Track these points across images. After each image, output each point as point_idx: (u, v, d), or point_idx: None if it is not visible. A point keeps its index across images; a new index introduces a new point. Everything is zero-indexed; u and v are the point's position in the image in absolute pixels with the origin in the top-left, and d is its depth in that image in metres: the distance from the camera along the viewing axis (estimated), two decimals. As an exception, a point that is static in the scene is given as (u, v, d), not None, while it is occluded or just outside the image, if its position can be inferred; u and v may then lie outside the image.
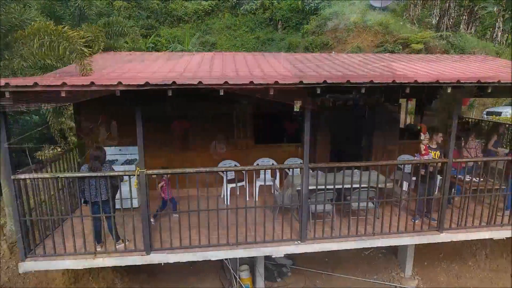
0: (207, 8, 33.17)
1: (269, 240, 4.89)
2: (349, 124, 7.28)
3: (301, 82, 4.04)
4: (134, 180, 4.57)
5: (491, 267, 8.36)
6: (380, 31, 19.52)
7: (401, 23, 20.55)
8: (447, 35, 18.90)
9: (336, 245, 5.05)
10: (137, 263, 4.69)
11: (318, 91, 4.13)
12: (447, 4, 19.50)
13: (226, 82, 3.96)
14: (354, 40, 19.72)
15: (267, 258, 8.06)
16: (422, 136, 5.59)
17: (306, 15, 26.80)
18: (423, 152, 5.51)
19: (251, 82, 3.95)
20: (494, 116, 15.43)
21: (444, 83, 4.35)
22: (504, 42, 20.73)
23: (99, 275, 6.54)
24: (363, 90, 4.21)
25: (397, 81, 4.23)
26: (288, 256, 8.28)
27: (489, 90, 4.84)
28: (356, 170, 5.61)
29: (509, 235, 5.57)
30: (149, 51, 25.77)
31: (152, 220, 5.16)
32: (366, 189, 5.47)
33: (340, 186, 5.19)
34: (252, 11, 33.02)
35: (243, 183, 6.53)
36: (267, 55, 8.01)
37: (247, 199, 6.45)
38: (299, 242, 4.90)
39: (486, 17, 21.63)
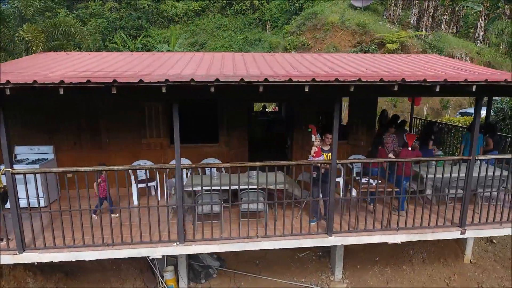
0: (197, 9, 33.21)
1: (147, 241, 4.84)
2: (272, 123, 7.19)
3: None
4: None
5: (426, 272, 8.15)
6: (358, 31, 19.31)
7: (381, 23, 20.30)
8: (423, 35, 18.60)
9: (217, 247, 4.97)
10: (10, 262, 4.69)
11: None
12: (426, 4, 19.17)
13: (114, 81, 4.00)
14: (331, 40, 19.55)
15: (195, 259, 8.05)
16: (313, 138, 5.46)
17: (292, 15, 26.72)
18: (314, 154, 5.40)
19: (167, 80, 3.93)
20: (466, 116, 15.12)
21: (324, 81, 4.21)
22: (488, 41, 20.31)
23: (10, 274, 6.57)
24: (306, 89, 4.13)
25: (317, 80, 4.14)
26: (218, 257, 8.24)
27: (395, 88, 4.62)
28: (253, 171, 5.53)
29: (404, 239, 5.41)
30: (139, 51, 26.01)
31: (94, 216, 5.25)
32: (260, 190, 5.38)
33: (235, 187, 5.11)
34: (242, 12, 32.99)
35: (154, 183, 6.49)
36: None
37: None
38: (178, 243, 4.84)
39: (468, 17, 21.24)
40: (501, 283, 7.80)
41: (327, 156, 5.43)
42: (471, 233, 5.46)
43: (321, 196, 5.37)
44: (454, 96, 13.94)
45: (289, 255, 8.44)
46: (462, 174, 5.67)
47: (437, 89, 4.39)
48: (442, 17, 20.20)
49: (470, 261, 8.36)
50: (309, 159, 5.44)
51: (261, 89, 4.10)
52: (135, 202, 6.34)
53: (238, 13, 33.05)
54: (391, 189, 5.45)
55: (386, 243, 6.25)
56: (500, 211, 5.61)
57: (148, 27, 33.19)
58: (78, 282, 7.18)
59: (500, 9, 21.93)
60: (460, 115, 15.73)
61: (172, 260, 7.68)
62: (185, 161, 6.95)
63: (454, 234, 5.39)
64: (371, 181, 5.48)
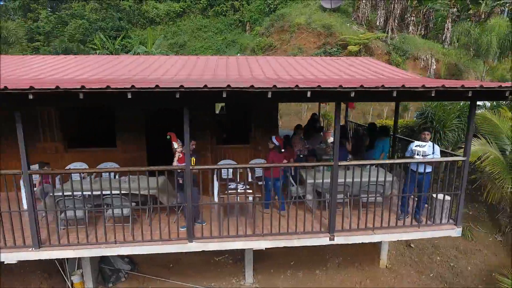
0: (178, 10, 33.23)
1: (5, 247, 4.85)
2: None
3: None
4: None
5: (338, 276, 8.12)
6: (323, 32, 19.28)
7: (348, 24, 20.25)
8: (385, 37, 18.55)
9: (73, 253, 4.97)
10: None
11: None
12: (392, 6, 19.11)
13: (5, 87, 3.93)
14: (297, 42, 19.53)
15: (107, 263, 8.05)
16: (175, 145, 5.45)
17: (267, 16, 26.71)
18: (178, 160, 5.38)
19: (57, 86, 3.89)
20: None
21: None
22: (456, 43, 20.18)
23: None
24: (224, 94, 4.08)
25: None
26: (130, 261, 8.24)
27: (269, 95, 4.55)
28: (131, 177, 5.50)
29: (269, 245, 5.37)
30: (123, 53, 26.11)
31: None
32: (135, 195, 5.38)
33: (103, 192, 5.11)
34: (223, 13, 32.99)
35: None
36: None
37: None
38: (33, 248, 4.84)
39: (437, 19, 21.14)
40: (410, 288, 7.77)
41: (192, 160, 5.44)
42: (341, 239, 5.42)
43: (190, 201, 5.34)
44: (373, 102, 13.89)
45: (205, 259, 8.43)
46: (349, 179, 5.63)
47: (352, 95, 4.29)
48: (410, 19, 20.11)
49: (386, 266, 8.32)
50: (174, 164, 5.43)
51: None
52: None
53: (219, 14, 33.05)
54: (260, 195, 5.42)
55: (304, 247, 6.18)
56: (380, 216, 5.56)
57: (130, 28, 33.26)
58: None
59: (471, 10, 21.86)
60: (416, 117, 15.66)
61: (81, 263, 7.69)
62: (83, 165, 6.97)
63: (322, 240, 5.35)
64: (240, 186, 5.46)
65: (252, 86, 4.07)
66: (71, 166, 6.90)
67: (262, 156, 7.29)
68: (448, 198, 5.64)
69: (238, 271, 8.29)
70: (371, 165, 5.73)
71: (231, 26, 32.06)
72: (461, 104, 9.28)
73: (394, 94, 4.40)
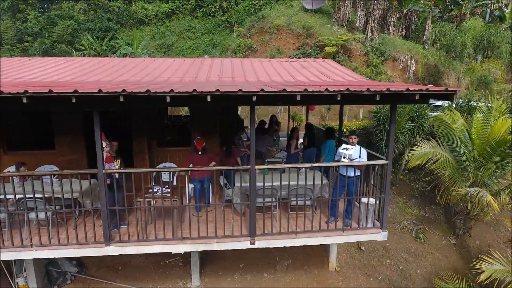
0: (167, 11, 33.26)
1: None
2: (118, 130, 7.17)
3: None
4: None
5: (286, 279, 8.10)
6: (302, 33, 19.25)
7: (328, 25, 20.21)
8: (364, 38, 18.52)
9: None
10: None
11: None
12: (372, 7, 19.06)
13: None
14: (276, 43, 19.51)
15: (54, 265, 8.04)
16: (103, 144, 5.43)
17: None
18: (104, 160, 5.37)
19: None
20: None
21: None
22: (436, 44, 20.13)
23: None
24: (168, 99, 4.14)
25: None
26: (79, 263, 8.23)
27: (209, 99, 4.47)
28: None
29: (189, 249, 5.35)
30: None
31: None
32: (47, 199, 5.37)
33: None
34: (211, 14, 33.00)
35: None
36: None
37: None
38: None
39: (420, 20, 21.08)
40: (355, 292, 7.74)
41: (119, 162, 5.43)
42: (262, 243, 5.40)
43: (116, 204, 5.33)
44: (320, 105, 13.76)
45: (155, 262, 8.42)
46: (276, 183, 5.62)
47: (298, 98, 4.25)
48: (390, 20, 20.03)
49: (335, 269, 8.29)
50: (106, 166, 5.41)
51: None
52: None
53: (208, 15, 33.06)
54: (176, 199, 5.40)
55: (254, 249, 6.14)
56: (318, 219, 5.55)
57: (118, 29, 33.32)
58: None
59: (454, 12, 21.80)
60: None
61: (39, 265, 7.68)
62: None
63: (243, 244, 5.33)
64: (159, 189, 5.45)
65: (194, 90, 4.09)
66: (10, 169, 6.90)
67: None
68: (373, 201, 5.60)
69: (186, 273, 8.27)
70: (298, 168, 5.71)
71: (219, 27, 32.05)
72: (416, 106, 9.25)
73: (298, 98, 4.37)
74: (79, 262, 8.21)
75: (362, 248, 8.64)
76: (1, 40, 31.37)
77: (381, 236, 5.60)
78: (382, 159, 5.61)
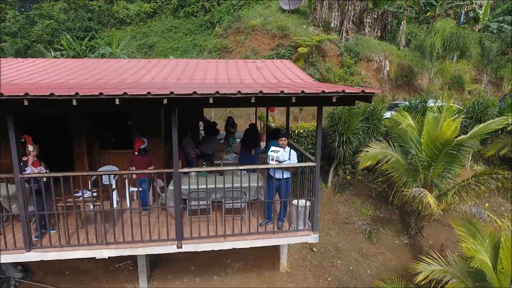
0: (148, 11, 33.00)
1: None
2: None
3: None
4: None
5: (235, 282, 8.04)
6: (277, 34, 19.24)
7: (304, 26, 20.24)
8: (339, 38, 18.58)
9: None
10: None
11: None
12: (347, 7, 19.14)
13: None
14: (251, 43, 19.47)
15: (-1, 270, 7.88)
16: (31, 148, 5.32)
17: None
18: (31, 164, 5.25)
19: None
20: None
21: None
22: (409, 45, 20.30)
23: None
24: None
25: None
26: (24, 268, 8.06)
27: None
28: None
29: (113, 254, 5.26)
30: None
31: None
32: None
33: None
34: (194, 14, 32.85)
35: None
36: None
37: None
38: None
39: (396, 20, 21.21)
40: (304, 293, 7.72)
41: (44, 165, 5.33)
42: (189, 247, 5.33)
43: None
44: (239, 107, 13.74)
45: (104, 266, 8.28)
46: (211, 186, 5.55)
47: (210, 101, 4.19)
48: (366, 21, 20.14)
49: (286, 270, 8.26)
50: (27, 171, 5.28)
51: None
52: None
53: (190, 15, 32.90)
54: (99, 203, 5.29)
55: (207, 252, 6.05)
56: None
57: (99, 29, 32.98)
58: None
59: (429, 13, 21.99)
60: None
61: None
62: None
63: (170, 248, 5.26)
64: (87, 193, 5.35)
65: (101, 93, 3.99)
66: None
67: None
68: (303, 203, 5.57)
69: (135, 277, 8.14)
70: (232, 170, 5.65)
71: (201, 27, 31.91)
72: (370, 106, 9.27)
73: (211, 101, 4.31)
74: (25, 267, 8.06)
75: (314, 249, 8.63)
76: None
77: (312, 238, 5.57)
78: (312, 161, 5.57)
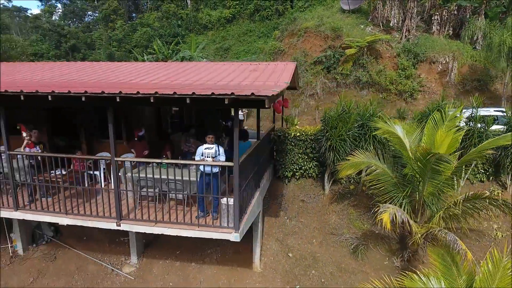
0: (228, 16, 35.39)
1: None
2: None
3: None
4: None
5: (209, 271, 8.55)
6: (330, 35, 18.73)
7: (362, 26, 19.21)
8: (399, 38, 17.14)
9: None
10: None
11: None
12: (409, 4, 17.51)
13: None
14: (303, 45, 19.41)
15: (38, 227, 10.01)
16: (24, 134, 6.83)
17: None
18: (25, 145, 6.78)
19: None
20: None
21: None
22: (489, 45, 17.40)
23: None
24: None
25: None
26: (56, 229, 10.05)
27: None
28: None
29: (69, 223, 6.35)
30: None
31: None
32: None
33: None
34: (268, 17, 33.96)
35: None
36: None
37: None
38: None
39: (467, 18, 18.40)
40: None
41: (41, 147, 6.85)
42: (126, 227, 6.08)
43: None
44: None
45: (111, 237, 9.72)
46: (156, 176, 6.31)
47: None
48: (434, 18, 17.93)
49: (258, 270, 8.41)
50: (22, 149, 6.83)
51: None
52: None
53: (265, 19, 34.13)
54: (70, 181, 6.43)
55: (192, 239, 6.80)
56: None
57: (186, 34, 36.81)
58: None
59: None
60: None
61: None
62: None
63: (110, 225, 6.13)
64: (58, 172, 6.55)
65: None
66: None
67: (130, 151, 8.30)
68: (228, 201, 5.77)
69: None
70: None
71: (274, 30, 32.77)
72: (370, 111, 8.59)
73: (152, 100, 4.96)
74: (56, 228, 10.06)
75: (290, 254, 8.51)
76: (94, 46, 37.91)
77: (232, 236, 5.73)
78: (230, 162, 5.76)
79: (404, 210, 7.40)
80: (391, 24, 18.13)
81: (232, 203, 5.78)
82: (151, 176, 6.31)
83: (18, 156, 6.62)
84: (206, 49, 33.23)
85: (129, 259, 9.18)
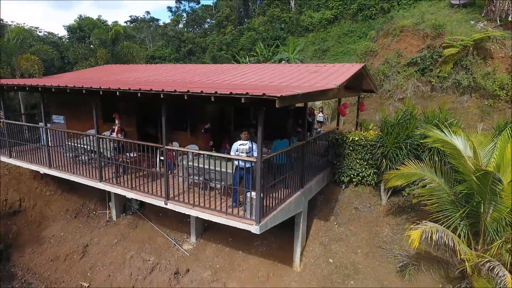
0: (329, 17, 35.06)
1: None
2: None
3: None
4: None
5: (252, 262, 9.05)
6: (430, 34, 16.86)
7: (473, 22, 16.70)
8: (505, 36, 14.40)
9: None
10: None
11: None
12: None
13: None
14: (398, 45, 17.99)
15: (130, 200, 12.18)
16: (116, 121, 8.50)
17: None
18: (116, 132, 8.48)
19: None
20: None
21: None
22: None
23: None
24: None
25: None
26: (141, 203, 12.06)
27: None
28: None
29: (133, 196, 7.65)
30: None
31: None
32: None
33: None
34: (372, 17, 32.35)
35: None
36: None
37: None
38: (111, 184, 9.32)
39: None
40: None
41: (124, 134, 8.54)
42: (171, 206, 7.01)
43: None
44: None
45: (181, 218, 11.07)
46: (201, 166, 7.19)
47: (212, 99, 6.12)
48: None
49: (298, 270, 8.51)
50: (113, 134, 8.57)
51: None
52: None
53: (368, 18, 32.51)
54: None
55: (244, 230, 7.46)
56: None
57: (287, 37, 37.87)
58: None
59: None
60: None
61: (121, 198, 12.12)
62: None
63: (159, 202, 7.18)
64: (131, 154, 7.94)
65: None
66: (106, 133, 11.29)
67: (194, 141, 9.39)
68: (252, 195, 6.12)
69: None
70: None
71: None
72: (438, 118, 7.62)
73: (186, 97, 5.91)
74: (141, 203, 12.06)
75: (330, 260, 8.30)
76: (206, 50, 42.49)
77: (253, 228, 6.05)
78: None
79: (461, 232, 6.52)
80: (510, 19, 15.24)
81: (250, 196, 6.12)
82: (196, 165, 7.19)
83: (106, 139, 8.36)
84: (304, 51, 33.60)
85: (189, 238, 10.41)
